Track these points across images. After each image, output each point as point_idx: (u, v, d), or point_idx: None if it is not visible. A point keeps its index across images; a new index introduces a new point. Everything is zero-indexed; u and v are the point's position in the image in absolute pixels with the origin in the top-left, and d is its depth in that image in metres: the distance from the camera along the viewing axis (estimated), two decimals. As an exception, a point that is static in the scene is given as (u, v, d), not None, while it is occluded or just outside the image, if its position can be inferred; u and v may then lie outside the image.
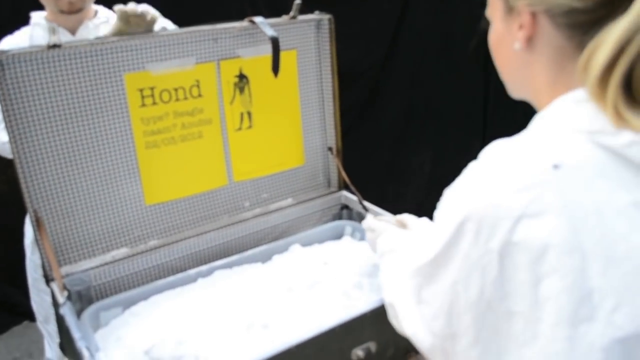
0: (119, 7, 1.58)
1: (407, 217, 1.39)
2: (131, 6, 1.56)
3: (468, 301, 0.69)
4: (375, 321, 1.27)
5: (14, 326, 3.12)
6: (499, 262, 0.65)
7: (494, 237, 0.65)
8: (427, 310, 0.76)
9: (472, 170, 0.72)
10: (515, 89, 0.86)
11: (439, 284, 0.73)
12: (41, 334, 2.21)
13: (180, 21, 1.97)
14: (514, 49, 0.78)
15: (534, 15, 0.74)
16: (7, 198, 2.84)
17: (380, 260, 1.17)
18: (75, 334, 1.23)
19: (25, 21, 1.95)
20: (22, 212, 2.08)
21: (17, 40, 1.88)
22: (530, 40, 0.76)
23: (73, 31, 1.92)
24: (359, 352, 1.27)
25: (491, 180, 0.68)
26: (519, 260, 0.64)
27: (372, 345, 1.28)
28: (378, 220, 1.38)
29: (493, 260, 0.65)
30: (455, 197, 0.72)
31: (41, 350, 2.66)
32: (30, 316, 2.84)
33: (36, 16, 1.93)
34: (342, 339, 1.23)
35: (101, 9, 2.02)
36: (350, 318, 1.24)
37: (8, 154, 1.50)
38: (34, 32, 1.90)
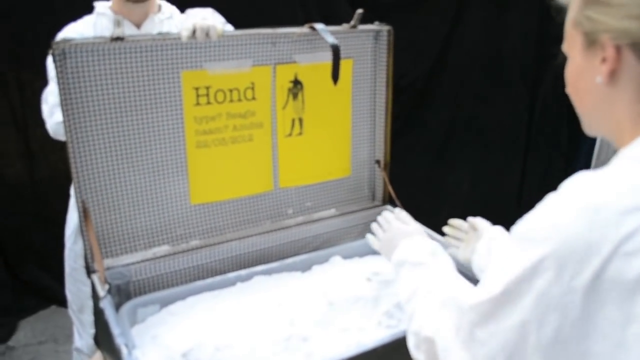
0: (188, 25, 1.53)
1: (480, 222, 1.41)
2: (200, 30, 1.50)
3: (540, 342, 0.65)
4: (418, 345, 1.24)
5: (40, 310, 3.14)
6: (584, 300, 0.62)
7: (580, 274, 0.62)
8: (480, 351, 0.73)
9: (553, 203, 0.68)
10: (593, 125, 0.83)
11: (502, 323, 0.69)
12: (71, 320, 2.22)
13: (232, 24, 1.97)
14: (595, 83, 0.76)
15: (618, 48, 0.71)
16: (47, 186, 2.87)
17: (400, 268, 1.13)
18: (115, 329, 1.23)
19: (86, 10, 1.96)
20: (61, 200, 2.11)
21: (81, 29, 1.88)
22: (613, 74, 0.73)
23: (138, 24, 1.93)
24: (399, 374, 1.24)
25: (578, 213, 0.64)
26: (608, 297, 0.61)
27: (413, 369, 1.25)
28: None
29: (576, 299, 0.62)
30: (532, 230, 0.69)
31: (67, 337, 2.67)
32: (58, 301, 2.86)
33: (100, 6, 1.93)
34: (385, 359, 1.20)
35: (164, 4, 2.02)
36: (392, 339, 1.21)
37: (64, 135, 1.51)
38: (98, 22, 1.91)
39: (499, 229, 1.34)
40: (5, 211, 3.00)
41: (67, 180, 1.51)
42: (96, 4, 1.94)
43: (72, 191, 2.03)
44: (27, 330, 2.95)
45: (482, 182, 3.77)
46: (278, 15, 2.98)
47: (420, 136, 3.53)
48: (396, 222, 1.33)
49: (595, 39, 0.74)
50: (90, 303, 2.04)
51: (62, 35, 1.88)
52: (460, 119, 3.62)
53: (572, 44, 0.80)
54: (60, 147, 1.47)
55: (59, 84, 1.34)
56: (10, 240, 3.03)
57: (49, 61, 1.79)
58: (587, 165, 4.10)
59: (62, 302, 2.23)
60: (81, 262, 2.01)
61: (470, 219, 1.42)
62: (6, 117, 2.19)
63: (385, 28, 1.76)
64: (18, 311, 3.07)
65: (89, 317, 2.05)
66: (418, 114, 3.50)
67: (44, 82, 1.86)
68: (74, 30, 1.87)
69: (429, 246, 1.16)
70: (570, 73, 0.82)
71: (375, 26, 1.76)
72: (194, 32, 1.45)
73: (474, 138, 3.69)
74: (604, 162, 4.04)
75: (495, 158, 3.78)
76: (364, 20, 1.73)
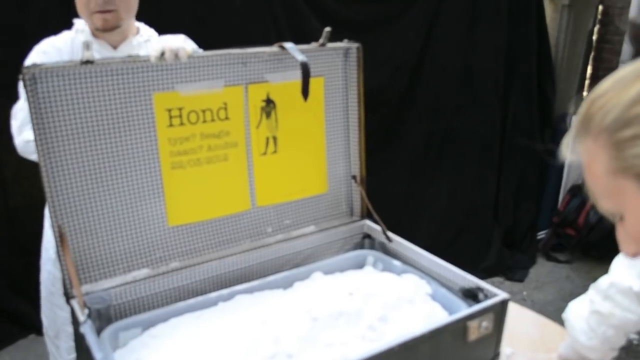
0: (155, 51, 1.52)
1: None
2: (169, 54, 1.50)
3: None
4: (402, 356, 1.24)
5: (20, 339, 3.09)
6: None
7: None
8: None
9: None
10: None
11: None
12: (46, 349, 2.18)
13: (204, 44, 1.98)
14: None
15: None
16: (21, 212, 2.84)
17: None
18: (97, 354, 1.21)
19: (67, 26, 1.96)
20: (37, 226, 2.09)
21: (59, 44, 1.88)
22: None
23: (115, 46, 1.93)
24: (384, 386, 1.23)
25: None
26: None
27: (398, 381, 1.25)
28: None
29: None
30: None
31: (46, 365, 2.63)
32: (36, 329, 2.82)
33: (80, 23, 1.93)
34: (369, 372, 1.20)
35: (143, 27, 2.02)
36: (378, 352, 1.20)
37: (32, 153, 1.51)
38: (77, 38, 1.90)
39: None
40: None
41: (41, 206, 1.49)
42: (75, 21, 1.93)
43: (46, 213, 2.01)
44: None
45: (459, 194, 3.80)
46: (250, 35, 3.00)
47: (398, 150, 3.56)
48: None
49: None
50: (66, 329, 2.02)
51: (39, 48, 1.88)
52: (437, 132, 3.66)
53: (621, 197, 0.72)
54: (33, 174, 1.46)
55: (30, 108, 1.33)
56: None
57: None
58: (560, 173, 4.17)
59: (40, 330, 2.20)
60: (59, 286, 1.98)
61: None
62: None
63: (354, 45, 1.78)
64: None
65: (64, 344, 2.02)
66: (395, 129, 3.53)
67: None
68: (52, 45, 1.87)
69: None
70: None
71: (344, 44, 1.78)
72: (162, 53, 1.46)
73: (451, 151, 3.73)
74: (575, 171, 4.08)
75: (472, 170, 3.83)
76: (338, 38, 1.75)
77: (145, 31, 2.01)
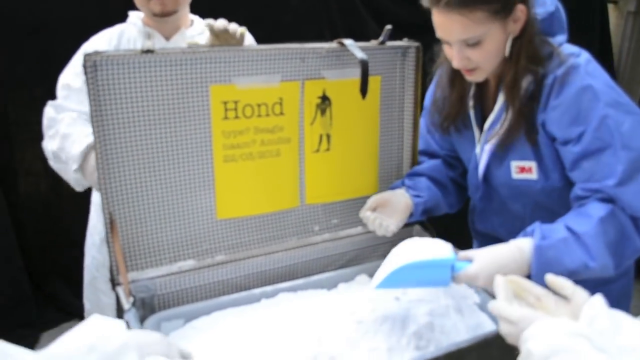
0: (208, 21, 1.59)
1: (571, 287, 1.09)
2: (220, 22, 1.57)
3: None
4: (448, 366, 1.21)
5: (63, 323, 3.14)
6: None
7: None
8: None
9: None
10: None
11: None
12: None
13: (259, 43, 1.97)
14: None
15: None
16: (65, 200, 2.88)
17: None
18: (140, 343, 1.20)
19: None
20: (80, 212, 2.11)
21: (110, 35, 1.90)
22: None
23: (168, 37, 1.93)
24: (429, 396, 1.20)
25: None
26: None
27: (443, 391, 1.21)
28: (511, 305, 1.09)
29: None
30: None
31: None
32: (80, 316, 2.86)
33: (134, 16, 1.94)
34: (414, 380, 1.17)
35: (197, 20, 2.02)
36: (425, 359, 1.17)
37: (51, 160, 1.55)
38: (126, 30, 1.92)
39: (600, 300, 1.02)
40: (33, 227, 3.03)
41: (86, 193, 1.49)
42: (130, 13, 1.95)
43: (93, 199, 2.02)
44: (49, 343, 2.95)
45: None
46: (305, 36, 2.99)
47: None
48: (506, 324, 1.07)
49: None
50: (108, 315, 2.03)
51: (93, 39, 1.90)
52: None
53: None
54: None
55: (89, 95, 1.34)
56: (35, 255, 3.05)
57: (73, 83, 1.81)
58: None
59: (83, 316, 2.22)
60: (103, 272, 2.00)
61: (553, 279, 1.11)
62: (38, 133, 2.21)
63: (413, 44, 1.75)
64: (41, 324, 3.08)
65: None
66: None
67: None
68: (105, 37, 1.89)
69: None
70: None
71: (403, 42, 1.75)
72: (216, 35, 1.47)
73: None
74: None
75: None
76: (392, 37, 1.72)
77: (199, 24, 2.00)
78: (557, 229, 1.37)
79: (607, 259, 1.36)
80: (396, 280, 1.32)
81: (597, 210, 1.36)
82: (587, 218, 1.36)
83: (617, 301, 1.68)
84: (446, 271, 1.31)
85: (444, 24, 1.42)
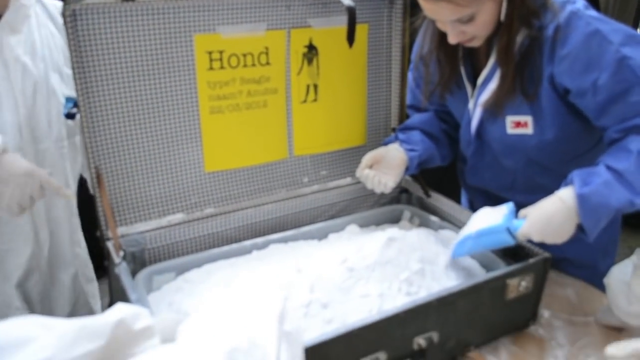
0: None
1: None
2: None
3: None
4: (440, 311, 1.22)
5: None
6: None
7: None
8: None
9: None
10: None
11: None
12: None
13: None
14: None
15: None
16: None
17: None
18: (132, 295, 1.20)
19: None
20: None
21: None
22: None
23: None
24: (420, 340, 1.21)
25: None
26: None
27: (435, 335, 1.22)
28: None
29: None
30: None
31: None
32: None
33: None
34: (406, 325, 1.18)
35: None
36: (417, 304, 1.18)
37: None
38: None
39: None
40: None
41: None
42: None
43: None
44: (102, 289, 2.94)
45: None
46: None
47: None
48: None
49: None
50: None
51: None
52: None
53: None
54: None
55: (69, 46, 1.30)
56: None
57: None
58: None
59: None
60: None
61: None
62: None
63: (401, -8, 1.71)
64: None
65: None
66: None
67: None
68: None
69: None
70: None
71: (390, -10, 1.72)
72: None
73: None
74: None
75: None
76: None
77: None
78: (598, 172, 1.33)
79: None
80: (464, 249, 1.43)
81: (636, 143, 1.33)
82: (627, 153, 1.33)
83: (605, 250, 1.69)
84: (504, 234, 1.37)
85: (432, 9, 1.37)
